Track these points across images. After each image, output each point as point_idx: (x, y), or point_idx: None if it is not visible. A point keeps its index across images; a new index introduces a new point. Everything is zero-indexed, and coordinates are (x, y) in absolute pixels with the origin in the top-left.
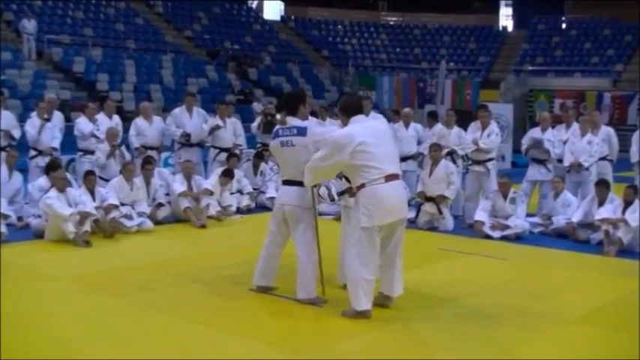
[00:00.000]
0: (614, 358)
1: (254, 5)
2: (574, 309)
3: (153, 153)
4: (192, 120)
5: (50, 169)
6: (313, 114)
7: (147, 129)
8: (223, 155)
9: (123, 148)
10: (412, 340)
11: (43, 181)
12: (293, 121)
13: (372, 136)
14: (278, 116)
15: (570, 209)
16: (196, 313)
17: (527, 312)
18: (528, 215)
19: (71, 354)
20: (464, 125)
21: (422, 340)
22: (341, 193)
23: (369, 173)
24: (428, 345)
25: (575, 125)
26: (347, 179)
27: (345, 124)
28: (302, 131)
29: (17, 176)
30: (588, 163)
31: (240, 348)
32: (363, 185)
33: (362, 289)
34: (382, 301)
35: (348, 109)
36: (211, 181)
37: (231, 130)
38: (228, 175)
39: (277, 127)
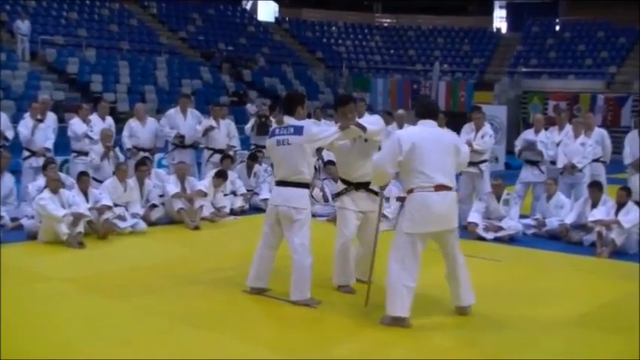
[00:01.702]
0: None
1: (248, 7)
2: (568, 311)
3: (145, 154)
4: (186, 121)
5: (44, 167)
6: (308, 116)
7: (140, 130)
8: (217, 156)
9: (117, 149)
10: (408, 342)
11: (42, 181)
12: (290, 120)
13: (433, 142)
14: (272, 119)
15: (563, 211)
16: (191, 315)
17: (521, 314)
18: (521, 217)
19: (70, 356)
20: (458, 127)
21: (417, 343)
22: (336, 195)
23: (419, 179)
24: (423, 347)
25: (569, 127)
26: (343, 180)
27: (413, 124)
28: (299, 130)
29: (9, 177)
30: (582, 164)
31: (235, 350)
32: (411, 190)
33: (400, 295)
34: (459, 312)
35: (420, 112)
36: (205, 183)
37: (225, 132)
38: (221, 176)
39: (274, 126)
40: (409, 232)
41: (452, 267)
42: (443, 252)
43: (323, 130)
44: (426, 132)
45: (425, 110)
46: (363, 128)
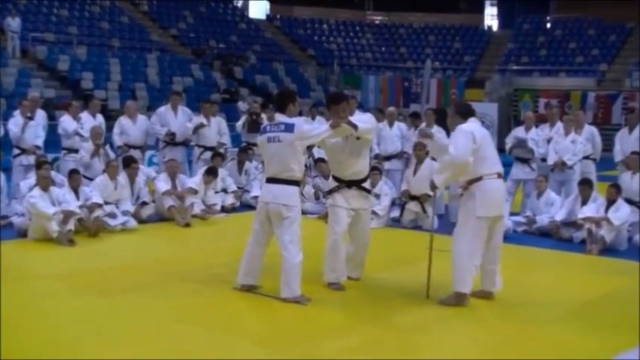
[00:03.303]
0: (595, 355)
1: (239, 4)
2: (558, 307)
3: (136, 152)
4: (177, 119)
5: (37, 166)
6: (300, 113)
7: (130, 128)
8: (208, 154)
9: (107, 146)
10: (397, 339)
11: (34, 179)
12: (281, 117)
13: (487, 137)
14: (263, 115)
15: (554, 208)
16: (181, 312)
17: (511, 310)
18: (512, 214)
19: (60, 354)
20: None
21: (408, 340)
22: (327, 192)
23: (487, 165)
24: (413, 344)
25: (559, 124)
26: (335, 178)
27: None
28: (289, 127)
29: None
30: (572, 161)
31: (225, 347)
32: (480, 178)
33: (469, 273)
34: (483, 295)
35: (465, 112)
36: (196, 180)
37: (216, 129)
38: (211, 173)
39: (265, 123)
40: (481, 216)
41: (495, 250)
42: (490, 236)
43: (314, 128)
44: (480, 127)
45: (469, 110)
46: (354, 126)
